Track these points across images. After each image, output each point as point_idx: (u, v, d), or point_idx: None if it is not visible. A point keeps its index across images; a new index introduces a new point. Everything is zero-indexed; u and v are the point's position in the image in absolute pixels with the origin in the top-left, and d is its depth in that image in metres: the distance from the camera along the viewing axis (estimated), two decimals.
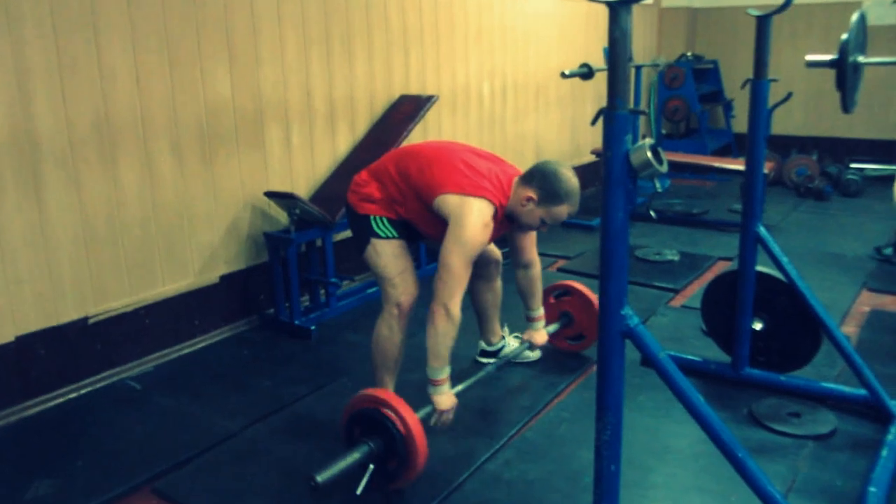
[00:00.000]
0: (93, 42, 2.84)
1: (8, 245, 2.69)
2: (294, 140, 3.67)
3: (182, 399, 2.89)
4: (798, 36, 7.15)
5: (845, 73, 2.66)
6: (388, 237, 2.52)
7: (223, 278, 3.44)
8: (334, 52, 3.81)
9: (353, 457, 2.13)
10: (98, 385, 2.99)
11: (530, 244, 2.81)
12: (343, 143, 3.93)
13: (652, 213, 5.27)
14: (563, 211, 2.43)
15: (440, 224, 2.42)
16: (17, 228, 2.70)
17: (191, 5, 3.13)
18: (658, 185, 1.60)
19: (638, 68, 5.63)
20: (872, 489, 2.12)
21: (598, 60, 5.40)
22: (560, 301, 3.15)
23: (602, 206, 1.66)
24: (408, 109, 4.02)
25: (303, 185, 3.74)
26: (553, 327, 3.07)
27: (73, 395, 2.91)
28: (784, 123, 6.95)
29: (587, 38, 5.92)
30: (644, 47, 7.08)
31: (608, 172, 1.64)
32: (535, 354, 3.08)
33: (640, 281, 4.03)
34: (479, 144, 4.96)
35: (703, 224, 5.29)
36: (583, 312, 3.12)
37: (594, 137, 6.13)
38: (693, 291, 3.93)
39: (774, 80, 2.60)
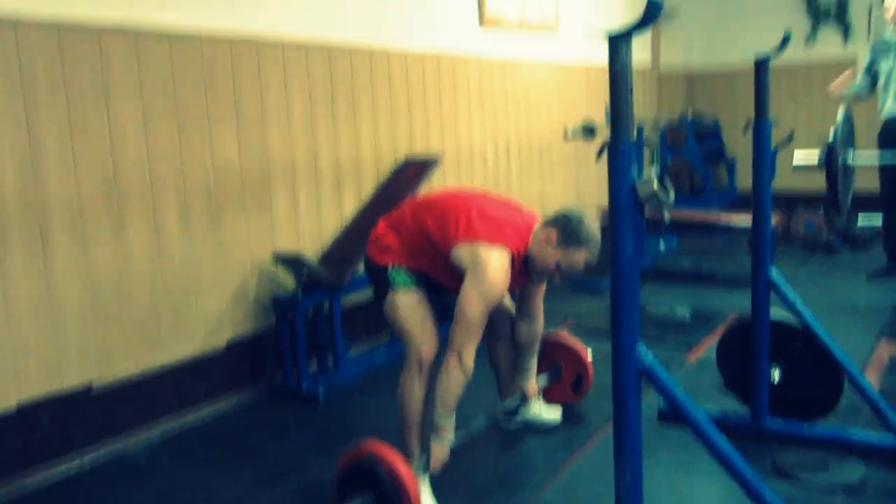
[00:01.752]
0: (104, 106, 2.88)
1: (14, 308, 2.67)
2: (301, 203, 3.69)
3: (187, 468, 2.81)
4: (798, 94, 7.25)
5: (835, 176, 2.66)
6: (407, 287, 2.48)
7: (230, 343, 3.40)
8: (340, 114, 3.86)
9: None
10: (101, 453, 2.91)
11: (537, 295, 2.77)
12: (350, 205, 3.95)
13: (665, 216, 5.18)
14: (580, 257, 2.39)
15: (458, 276, 2.39)
16: (23, 292, 2.69)
17: (199, 69, 3.20)
18: (666, 215, 1.58)
19: (640, 130, 5.68)
20: None
21: (599, 122, 5.45)
22: (542, 358, 3.09)
23: (612, 240, 1.63)
24: (413, 171, 4.04)
25: (310, 247, 3.73)
26: (543, 379, 3.04)
27: (76, 463, 2.83)
28: (788, 180, 6.97)
29: (588, 101, 6.00)
30: (644, 108, 7.17)
31: (614, 205, 1.62)
32: (555, 417, 3.00)
33: (653, 335, 3.96)
34: None
35: (714, 282, 5.24)
36: (568, 357, 3.10)
37: (599, 196, 6.15)
38: (707, 346, 3.85)
39: (775, 122, 2.60)
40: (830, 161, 2.65)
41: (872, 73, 4.85)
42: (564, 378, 3.12)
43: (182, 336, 3.22)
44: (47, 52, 2.71)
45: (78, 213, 2.83)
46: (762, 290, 2.67)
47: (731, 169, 7.48)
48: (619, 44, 1.57)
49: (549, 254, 2.40)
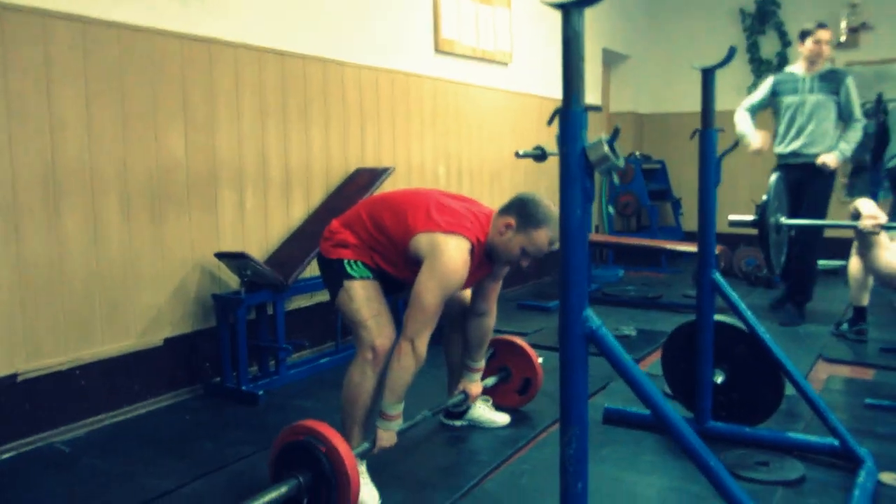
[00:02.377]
0: (44, 91, 2.81)
1: None
2: (248, 205, 3.63)
3: (115, 462, 2.67)
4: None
5: (767, 235, 2.77)
6: (361, 277, 2.43)
7: (167, 341, 3.29)
8: (291, 121, 3.84)
9: (280, 490, 2.01)
10: (24, 449, 2.76)
11: (491, 292, 2.75)
12: (298, 211, 3.90)
13: (615, 179, 5.26)
14: (542, 236, 2.37)
15: (417, 270, 2.35)
16: None
17: (147, 63, 3.15)
18: (616, 178, 1.60)
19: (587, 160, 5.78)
20: None
21: (550, 147, 5.54)
22: (491, 360, 3.09)
23: (560, 204, 1.64)
24: (363, 181, 4.03)
25: (255, 250, 3.66)
26: (491, 380, 3.02)
27: None
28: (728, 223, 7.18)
29: (539, 130, 6.11)
30: None
31: (565, 170, 1.62)
32: (502, 420, 2.97)
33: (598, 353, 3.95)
34: None
35: (659, 306, 5.31)
36: (519, 362, 3.09)
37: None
38: (651, 361, 3.88)
39: (721, 130, 2.67)
40: (763, 223, 2.75)
41: (765, 105, 4.78)
42: (513, 381, 3.10)
43: (117, 330, 3.10)
44: None
45: (10, 199, 2.72)
46: (707, 290, 2.71)
47: (677, 207, 7.67)
48: (571, 13, 1.59)
49: (511, 240, 2.39)
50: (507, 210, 2.43)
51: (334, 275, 2.47)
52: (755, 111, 4.80)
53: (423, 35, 4.84)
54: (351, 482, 2.03)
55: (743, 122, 4.71)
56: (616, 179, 1.74)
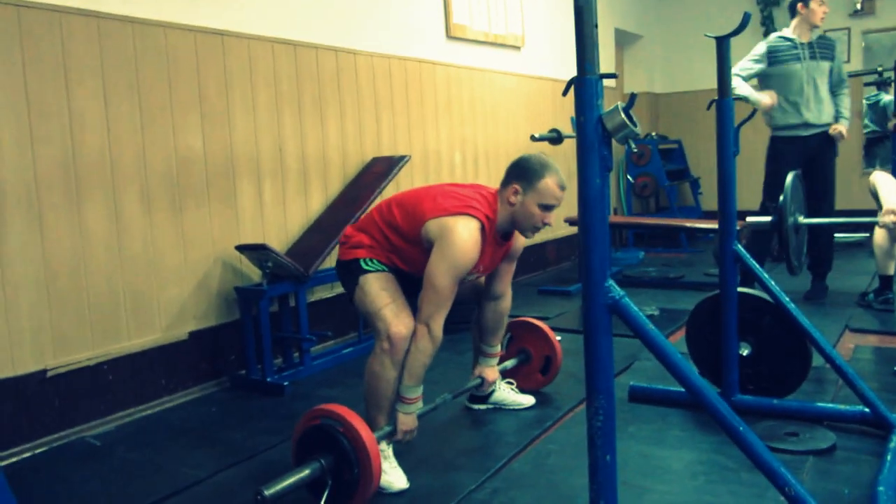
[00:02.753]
0: (63, 86, 2.83)
1: None
2: (266, 196, 3.64)
3: (145, 454, 2.70)
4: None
5: (787, 236, 2.71)
6: (378, 270, 2.43)
7: (192, 335, 3.31)
8: (306, 111, 3.85)
9: (303, 472, 2.04)
10: (56, 443, 2.80)
11: (506, 274, 2.74)
12: (316, 201, 3.91)
13: (633, 146, 5.22)
14: (549, 183, 2.36)
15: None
16: None
17: (162, 57, 3.17)
18: (633, 145, 1.58)
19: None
20: (881, 489, 2.00)
21: (566, 130, 5.51)
22: (510, 344, 3.10)
23: (578, 175, 1.62)
24: (380, 169, 4.03)
25: (275, 241, 3.68)
26: (511, 362, 3.02)
27: (28, 454, 2.71)
28: (752, 199, 7.11)
29: (554, 113, 6.07)
30: None
31: (582, 138, 1.61)
32: (527, 401, 2.96)
33: (622, 333, 3.94)
34: None
35: (681, 286, 5.27)
36: (537, 342, 3.09)
37: (568, 207, 6.19)
38: (675, 339, 3.85)
39: (738, 99, 2.64)
40: (781, 223, 2.70)
41: (757, 74, 4.52)
42: (533, 363, 3.09)
43: (143, 324, 3.13)
44: (5, 29, 2.67)
45: (34, 195, 2.75)
46: (729, 262, 2.69)
47: (696, 187, 7.60)
48: None
49: (524, 203, 2.38)
50: (507, 180, 2.44)
51: (350, 274, 2.48)
52: (747, 80, 4.52)
53: (435, 21, 4.82)
54: (372, 459, 2.03)
55: (743, 86, 4.40)
56: (633, 147, 1.72)
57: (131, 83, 3.06)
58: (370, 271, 2.44)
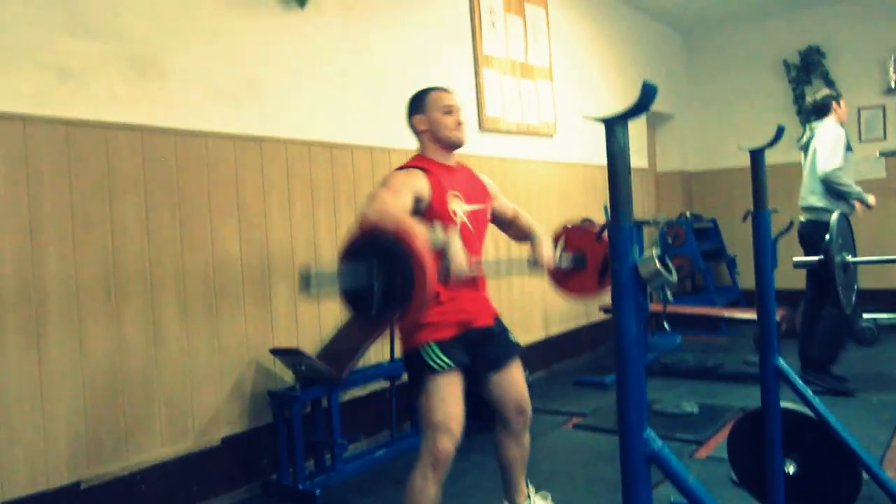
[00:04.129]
0: (107, 198, 2.92)
1: (3, 401, 2.60)
2: (300, 297, 3.66)
3: None
4: (794, 191, 7.35)
5: (834, 275, 2.67)
6: (441, 369, 2.38)
7: (224, 441, 3.30)
8: (341, 210, 3.90)
9: (352, 267, 1.93)
10: None
11: (502, 204, 2.91)
12: None
13: (668, 295, 5.14)
14: (434, 95, 2.56)
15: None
16: (14, 383, 2.63)
17: (203, 165, 3.25)
18: (669, 295, 1.54)
19: (639, 226, 5.73)
20: None
21: (599, 219, 5.50)
22: (564, 247, 2.92)
23: (614, 322, 1.60)
24: None
25: (309, 341, 3.69)
26: (565, 258, 2.83)
27: None
28: (789, 277, 7.00)
29: (586, 198, 6.08)
30: (643, 209, 7.26)
31: (617, 286, 1.60)
32: None
33: (661, 434, 3.84)
34: None
35: (721, 377, 5.15)
36: (593, 242, 2.84)
37: (602, 295, 6.14)
38: (718, 442, 3.74)
39: (775, 211, 2.61)
40: (828, 262, 2.65)
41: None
42: (589, 266, 2.86)
43: (176, 432, 3.13)
44: (54, 146, 2.77)
45: (75, 306, 2.81)
46: (771, 379, 2.61)
47: (732, 266, 7.51)
48: (615, 127, 1.59)
49: (431, 122, 2.54)
50: (409, 123, 2.61)
51: (414, 370, 2.45)
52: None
53: (468, 115, 4.89)
54: (425, 262, 1.88)
55: (851, 182, 4.53)
56: (670, 296, 1.69)
57: (172, 192, 3.14)
58: (435, 370, 2.38)
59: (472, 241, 2.56)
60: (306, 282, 1.89)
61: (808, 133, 4.75)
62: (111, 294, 2.92)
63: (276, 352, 3.39)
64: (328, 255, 3.82)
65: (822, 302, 4.54)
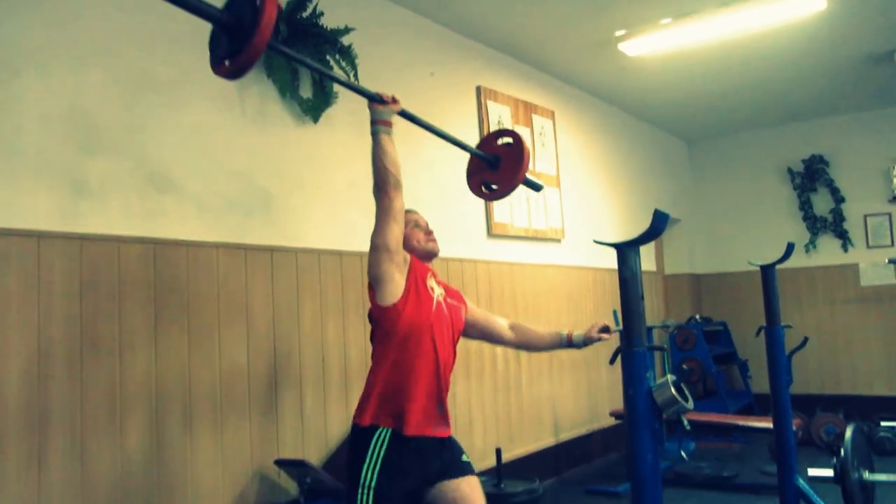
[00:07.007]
0: (116, 315, 2.91)
1: None
2: (307, 406, 3.62)
3: None
4: (802, 296, 7.35)
5: (851, 494, 2.53)
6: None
7: None
8: (350, 317, 3.90)
9: None
10: None
11: (484, 314, 3.05)
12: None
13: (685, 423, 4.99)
14: (407, 217, 2.67)
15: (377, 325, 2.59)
16: (13, 500, 2.56)
17: (213, 277, 3.27)
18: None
19: (649, 330, 5.70)
20: None
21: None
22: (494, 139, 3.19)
23: (629, 449, 1.57)
24: None
25: (314, 452, 3.61)
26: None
27: None
28: (803, 383, 6.90)
29: (595, 301, 6.07)
30: (652, 312, 7.24)
31: (631, 413, 1.57)
32: None
33: None
34: (494, 409, 4.90)
35: (737, 488, 4.99)
36: (500, 149, 3.17)
37: (612, 401, 6.04)
38: None
39: (788, 327, 2.60)
40: (845, 479, 2.53)
41: None
42: (504, 167, 3.14)
43: None
44: (67, 260, 2.79)
45: (78, 422, 2.76)
46: (791, 500, 2.53)
47: (744, 370, 7.41)
48: (627, 253, 1.61)
49: (406, 238, 2.67)
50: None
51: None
52: None
53: (476, 221, 4.97)
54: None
55: None
56: (686, 425, 1.67)
57: (182, 304, 3.14)
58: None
59: (444, 331, 2.61)
60: None
61: None
62: (116, 411, 2.88)
63: (280, 463, 3.31)
64: (337, 362, 3.79)
65: None
